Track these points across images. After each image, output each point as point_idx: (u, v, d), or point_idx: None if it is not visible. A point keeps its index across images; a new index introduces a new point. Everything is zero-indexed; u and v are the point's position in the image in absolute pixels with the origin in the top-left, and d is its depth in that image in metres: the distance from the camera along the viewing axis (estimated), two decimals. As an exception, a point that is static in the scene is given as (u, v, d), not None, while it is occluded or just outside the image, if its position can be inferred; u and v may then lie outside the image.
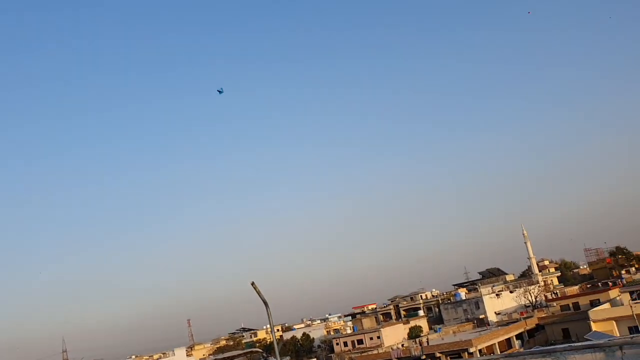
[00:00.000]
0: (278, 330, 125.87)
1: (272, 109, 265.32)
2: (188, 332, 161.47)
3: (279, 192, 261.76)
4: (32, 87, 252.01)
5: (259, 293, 6.90)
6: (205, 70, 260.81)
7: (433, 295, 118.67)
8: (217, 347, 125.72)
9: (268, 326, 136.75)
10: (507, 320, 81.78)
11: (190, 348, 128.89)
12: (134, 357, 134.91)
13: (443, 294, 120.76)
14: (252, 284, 6.86)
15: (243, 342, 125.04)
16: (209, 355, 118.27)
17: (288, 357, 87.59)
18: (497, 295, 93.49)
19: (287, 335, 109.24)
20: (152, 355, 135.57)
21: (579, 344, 6.74)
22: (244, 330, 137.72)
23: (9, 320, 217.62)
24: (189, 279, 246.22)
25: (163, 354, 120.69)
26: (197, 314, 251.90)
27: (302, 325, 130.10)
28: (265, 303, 6.99)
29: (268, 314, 7.10)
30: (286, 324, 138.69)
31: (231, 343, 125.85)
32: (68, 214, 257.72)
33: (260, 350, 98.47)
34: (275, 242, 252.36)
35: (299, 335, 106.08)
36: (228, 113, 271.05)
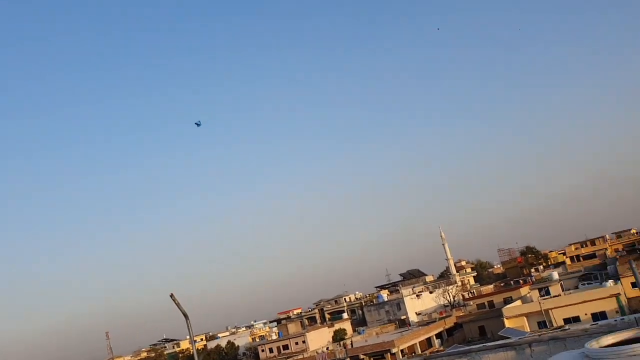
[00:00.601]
0: (202, 339, 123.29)
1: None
2: (107, 344, 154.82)
3: (197, 200, 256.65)
4: None
5: (178, 305, 6.71)
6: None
7: (357, 298, 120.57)
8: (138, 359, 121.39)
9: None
10: (427, 320, 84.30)
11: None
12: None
13: (366, 296, 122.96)
14: (172, 296, 6.66)
15: (165, 353, 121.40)
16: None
17: None
18: (417, 296, 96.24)
19: (212, 344, 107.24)
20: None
21: (492, 343, 7.08)
22: (167, 341, 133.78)
23: None
24: (106, 290, 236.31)
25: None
26: (117, 325, 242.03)
27: (227, 334, 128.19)
28: (185, 315, 6.80)
29: (188, 326, 6.91)
30: (210, 333, 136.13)
31: (153, 355, 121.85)
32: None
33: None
34: (199, 249, 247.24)
35: (223, 343, 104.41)
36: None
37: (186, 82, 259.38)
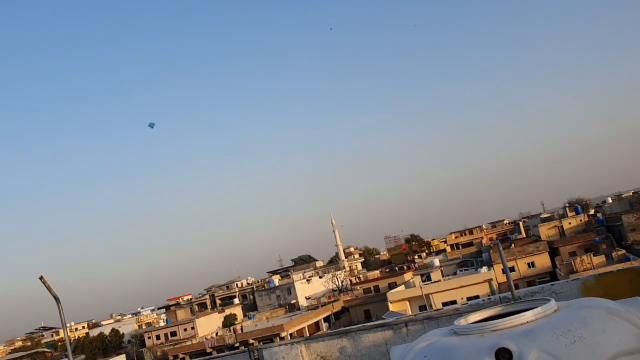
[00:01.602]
0: (84, 327, 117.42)
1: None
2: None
3: (85, 179, 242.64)
4: None
5: (48, 288, 6.29)
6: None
7: (249, 283, 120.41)
8: (11, 349, 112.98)
9: (72, 323, 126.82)
10: (316, 305, 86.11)
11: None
12: None
13: (258, 282, 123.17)
14: (41, 278, 6.23)
15: (43, 342, 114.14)
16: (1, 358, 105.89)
17: (83, 355, 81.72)
18: (307, 280, 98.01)
19: (94, 332, 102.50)
20: None
21: (371, 323, 7.34)
22: (44, 329, 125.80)
23: None
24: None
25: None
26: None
27: (111, 321, 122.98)
28: (56, 298, 6.40)
29: (59, 310, 6.51)
30: (93, 320, 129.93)
31: (29, 344, 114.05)
32: None
33: (48, 350, 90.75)
34: (84, 232, 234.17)
35: (107, 331, 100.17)
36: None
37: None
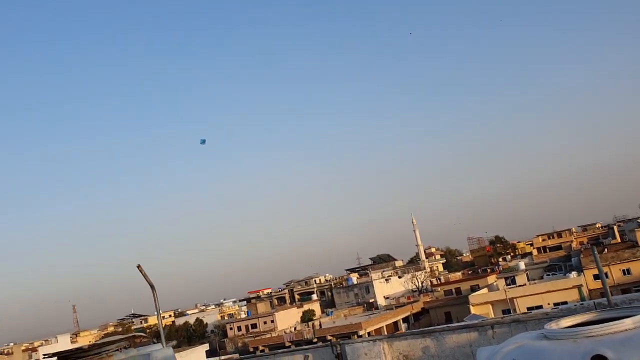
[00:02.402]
0: (170, 315, 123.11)
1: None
2: (73, 318, 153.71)
3: (172, 173, 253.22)
4: None
5: (145, 276, 6.66)
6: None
7: (326, 280, 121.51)
8: (104, 334, 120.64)
9: (160, 312, 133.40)
10: (394, 304, 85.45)
11: (75, 335, 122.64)
12: (12, 344, 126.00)
13: (336, 279, 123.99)
14: (138, 266, 6.60)
15: (133, 328, 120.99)
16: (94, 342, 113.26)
17: (174, 342, 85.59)
18: (386, 280, 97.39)
19: (180, 321, 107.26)
20: (32, 343, 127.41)
21: (456, 324, 7.21)
22: (134, 316, 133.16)
23: None
24: (75, 262, 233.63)
25: (45, 340, 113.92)
26: (84, 299, 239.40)
27: (196, 311, 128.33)
28: (152, 286, 6.76)
29: (154, 297, 6.88)
30: (179, 310, 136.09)
31: (120, 329, 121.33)
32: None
33: (144, 335, 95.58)
34: (170, 225, 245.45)
35: (192, 320, 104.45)
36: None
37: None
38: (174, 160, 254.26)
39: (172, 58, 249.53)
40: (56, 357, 5.77)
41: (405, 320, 75.87)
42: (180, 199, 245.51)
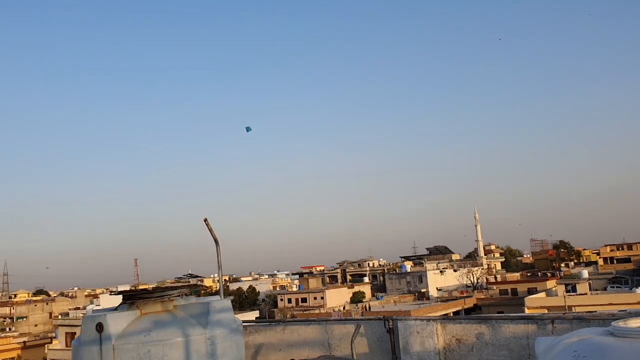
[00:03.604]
0: (225, 280, 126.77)
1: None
2: (134, 271, 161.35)
3: (244, 142, 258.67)
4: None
5: (210, 230, 6.87)
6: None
7: (380, 264, 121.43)
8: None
9: (214, 275, 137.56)
10: (446, 297, 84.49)
11: (134, 287, 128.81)
12: (76, 289, 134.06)
13: (389, 264, 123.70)
14: (205, 220, 6.81)
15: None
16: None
17: (232, 297, 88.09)
18: (441, 272, 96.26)
19: (234, 286, 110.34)
20: (94, 289, 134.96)
21: (514, 314, 7.03)
22: (191, 276, 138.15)
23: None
24: (140, 217, 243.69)
25: (106, 289, 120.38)
26: (146, 254, 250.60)
27: (250, 278, 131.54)
28: (216, 241, 6.98)
29: (217, 252, 7.09)
30: (234, 275, 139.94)
31: (180, 285, 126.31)
32: (18, 133, 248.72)
33: (202, 284, 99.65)
34: (233, 193, 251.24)
35: (245, 287, 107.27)
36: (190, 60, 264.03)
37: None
38: (246, 132, 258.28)
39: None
40: (122, 295, 6.08)
41: (455, 314, 74.90)
42: (249, 167, 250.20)
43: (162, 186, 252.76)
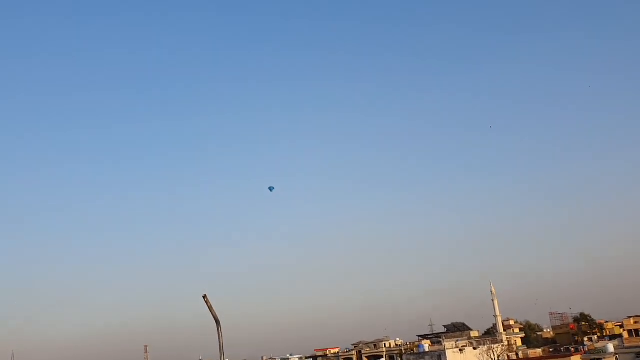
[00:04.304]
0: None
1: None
2: (144, 358, 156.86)
3: (248, 225, 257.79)
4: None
5: (210, 308, 6.59)
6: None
7: (397, 344, 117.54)
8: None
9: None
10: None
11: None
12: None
13: (407, 344, 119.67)
14: (204, 297, 6.57)
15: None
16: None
17: None
18: (460, 350, 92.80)
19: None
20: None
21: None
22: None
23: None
24: (149, 303, 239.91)
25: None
26: (156, 340, 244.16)
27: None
28: (217, 321, 6.69)
29: (219, 333, 6.80)
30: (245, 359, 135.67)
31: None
32: (23, 220, 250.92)
33: None
34: (240, 275, 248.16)
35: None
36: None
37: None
38: (254, 213, 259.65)
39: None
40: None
41: (478, 395, 71.48)
42: (255, 248, 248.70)
43: (171, 270, 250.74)
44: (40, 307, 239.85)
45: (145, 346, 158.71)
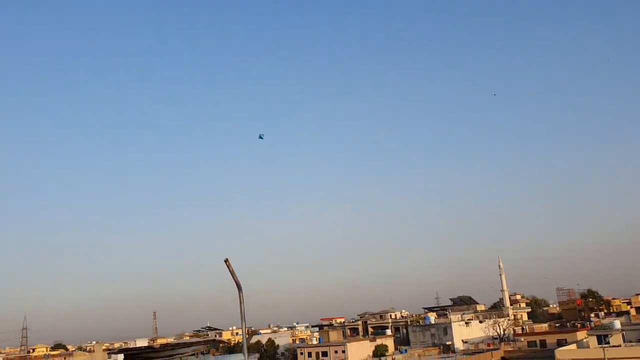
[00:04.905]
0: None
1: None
2: (153, 324, 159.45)
3: (262, 194, 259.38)
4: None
5: (232, 273, 6.24)
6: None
7: (402, 316, 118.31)
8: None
9: (233, 327, 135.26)
10: (473, 350, 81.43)
11: (152, 340, 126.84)
12: (94, 342, 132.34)
13: (412, 316, 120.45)
14: (226, 261, 6.20)
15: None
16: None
17: (257, 354, 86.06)
18: (466, 323, 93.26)
19: (253, 340, 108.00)
20: (113, 343, 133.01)
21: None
22: (210, 329, 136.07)
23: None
24: (159, 270, 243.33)
25: (124, 342, 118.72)
26: (164, 307, 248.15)
27: (269, 331, 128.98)
28: (239, 286, 6.35)
29: (240, 298, 6.45)
30: (252, 328, 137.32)
31: (195, 340, 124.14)
32: (44, 190, 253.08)
33: (226, 341, 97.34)
34: (251, 243, 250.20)
35: (264, 340, 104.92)
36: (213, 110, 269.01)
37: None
38: (267, 184, 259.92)
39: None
40: (123, 355, 5.39)
41: (483, 367, 71.84)
42: (268, 223, 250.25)
43: (180, 238, 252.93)
44: (52, 275, 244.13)
45: (154, 313, 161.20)
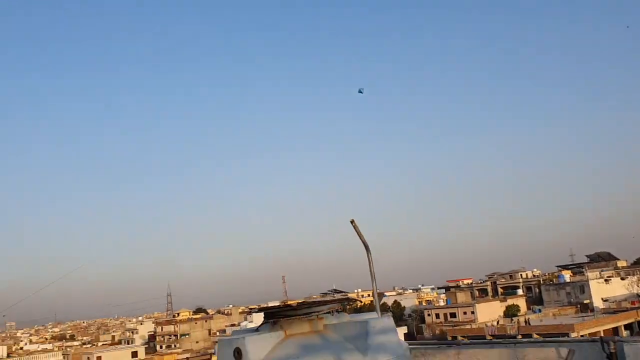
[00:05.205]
0: (369, 295, 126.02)
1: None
2: (282, 288, 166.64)
3: (381, 152, 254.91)
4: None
5: (359, 234, 5.71)
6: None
7: (534, 275, 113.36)
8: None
9: (359, 290, 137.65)
10: (614, 308, 76.10)
11: (283, 303, 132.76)
12: (231, 306, 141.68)
13: (545, 275, 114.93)
14: (352, 222, 5.64)
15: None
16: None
17: (390, 313, 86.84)
18: (605, 280, 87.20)
19: (380, 301, 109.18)
20: (248, 306, 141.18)
21: None
22: (335, 291, 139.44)
23: (120, 257, 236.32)
24: (288, 234, 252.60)
25: (258, 305, 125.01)
26: (293, 271, 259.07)
27: (394, 293, 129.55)
28: (367, 246, 5.80)
29: (369, 259, 5.91)
30: (378, 290, 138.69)
31: (329, 299, 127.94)
32: (165, 157, 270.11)
33: (357, 299, 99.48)
34: (375, 205, 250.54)
35: (390, 302, 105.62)
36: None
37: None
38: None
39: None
40: (263, 313, 5.10)
41: (627, 327, 67.01)
42: (391, 182, 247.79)
43: (307, 202, 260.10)
44: (193, 244, 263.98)
45: (283, 276, 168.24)
